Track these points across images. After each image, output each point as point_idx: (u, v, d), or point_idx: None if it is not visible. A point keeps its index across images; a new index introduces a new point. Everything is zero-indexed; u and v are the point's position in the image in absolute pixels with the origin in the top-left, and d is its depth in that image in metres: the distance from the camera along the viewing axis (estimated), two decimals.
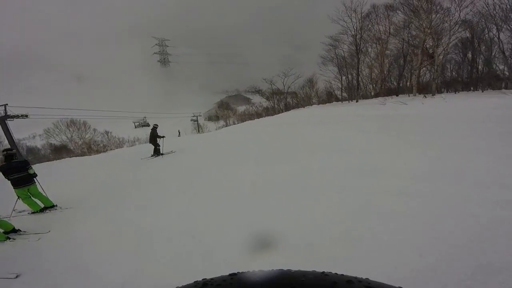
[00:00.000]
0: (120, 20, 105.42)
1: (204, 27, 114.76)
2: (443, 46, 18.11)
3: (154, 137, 10.71)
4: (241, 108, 52.32)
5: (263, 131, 13.42)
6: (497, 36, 18.61)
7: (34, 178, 5.40)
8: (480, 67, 21.57)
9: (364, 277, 0.40)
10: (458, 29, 17.86)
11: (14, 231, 4.32)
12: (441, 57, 18.61)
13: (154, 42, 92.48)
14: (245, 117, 40.39)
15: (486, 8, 16.57)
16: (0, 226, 4.24)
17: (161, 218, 4.15)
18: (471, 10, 17.33)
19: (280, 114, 26.75)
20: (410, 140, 6.92)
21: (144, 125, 61.64)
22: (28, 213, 5.42)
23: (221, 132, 20.53)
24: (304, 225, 3.16)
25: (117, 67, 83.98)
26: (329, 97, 31.15)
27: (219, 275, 0.45)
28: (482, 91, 18.12)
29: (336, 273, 0.41)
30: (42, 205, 5.45)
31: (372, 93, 26.40)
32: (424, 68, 21.55)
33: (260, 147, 9.09)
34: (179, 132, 38.54)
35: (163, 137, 10.87)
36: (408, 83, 24.96)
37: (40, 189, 5.50)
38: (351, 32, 23.83)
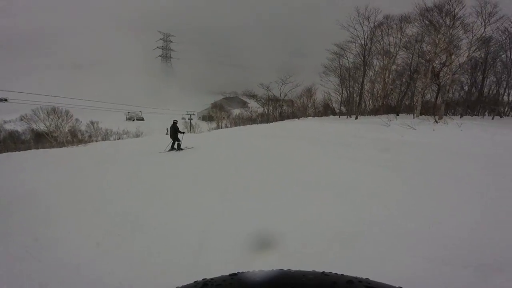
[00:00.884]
0: (124, 11, 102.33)
1: (206, 26, 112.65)
2: (456, 64, 16.11)
3: (175, 132, 10.91)
4: (236, 111, 50.01)
5: (251, 144, 11.16)
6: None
7: None
8: (486, 90, 19.82)
9: (364, 277, 0.39)
10: (477, 47, 15.89)
11: None
12: (455, 76, 16.62)
13: (159, 36, 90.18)
14: (239, 121, 38.06)
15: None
16: None
17: None
18: (497, 28, 15.38)
19: (274, 123, 24.59)
20: (434, 187, 4.77)
21: (138, 119, 58.85)
22: None
23: (209, 135, 18.17)
24: None
25: (116, 58, 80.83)
26: (326, 110, 29.18)
27: (220, 275, 0.42)
28: (493, 118, 16.20)
29: (336, 273, 0.41)
30: None
31: (370, 109, 24.49)
32: (429, 88, 19.68)
33: (238, 169, 6.86)
34: (168, 130, 36.16)
35: (183, 132, 11.24)
36: (409, 102, 23.13)
37: None
38: (361, 41, 21.80)
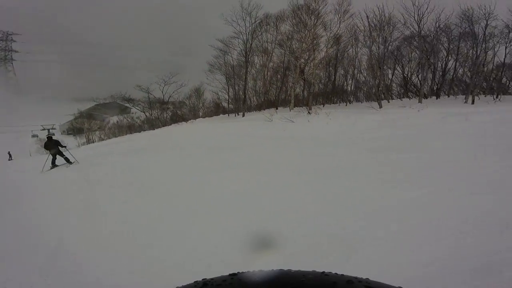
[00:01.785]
0: None
1: (65, 23, 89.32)
2: (317, 60, 18.05)
3: (56, 145, 9.00)
4: (115, 119, 41.35)
5: (110, 170, 7.90)
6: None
7: None
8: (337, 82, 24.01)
9: (364, 277, 0.39)
10: (332, 43, 18.22)
11: None
12: (317, 71, 18.65)
13: None
14: (117, 130, 31.15)
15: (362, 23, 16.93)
16: None
17: None
18: (348, 25, 17.56)
19: (157, 130, 21.07)
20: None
21: None
22: None
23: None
24: None
25: None
26: (217, 109, 27.99)
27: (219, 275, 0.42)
28: (346, 105, 19.49)
29: (336, 273, 0.40)
30: None
31: (255, 105, 25.14)
32: (298, 83, 21.79)
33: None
34: (10, 155, 25.51)
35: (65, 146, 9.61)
36: (284, 96, 25.14)
37: None
38: (243, 37, 21.20)
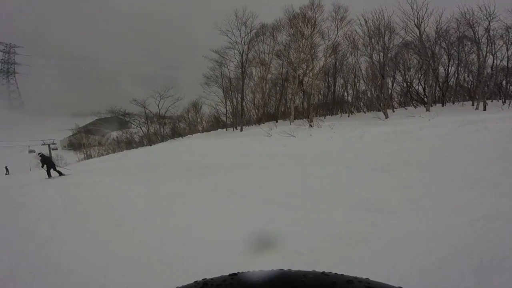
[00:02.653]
0: None
1: (66, 37, 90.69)
2: (316, 70, 17.06)
3: (51, 163, 10.73)
4: (115, 134, 40.48)
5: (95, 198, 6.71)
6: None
7: None
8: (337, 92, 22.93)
9: (364, 277, 0.38)
10: (331, 51, 17.26)
11: None
12: (316, 81, 17.63)
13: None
14: (115, 146, 30.15)
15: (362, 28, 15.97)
16: None
17: None
18: (345, 32, 16.71)
19: (153, 146, 20.04)
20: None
21: None
22: None
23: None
24: None
25: None
26: (217, 123, 26.94)
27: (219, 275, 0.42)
28: (348, 116, 18.36)
29: (336, 273, 0.40)
30: None
31: (254, 119, 24.07)
32: (297, 94, 20.81)
33: None
34: (7, 169, 24.99)
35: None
36: (284, 109, 24.05)
37: None
38: (239, 47, 20.19)
